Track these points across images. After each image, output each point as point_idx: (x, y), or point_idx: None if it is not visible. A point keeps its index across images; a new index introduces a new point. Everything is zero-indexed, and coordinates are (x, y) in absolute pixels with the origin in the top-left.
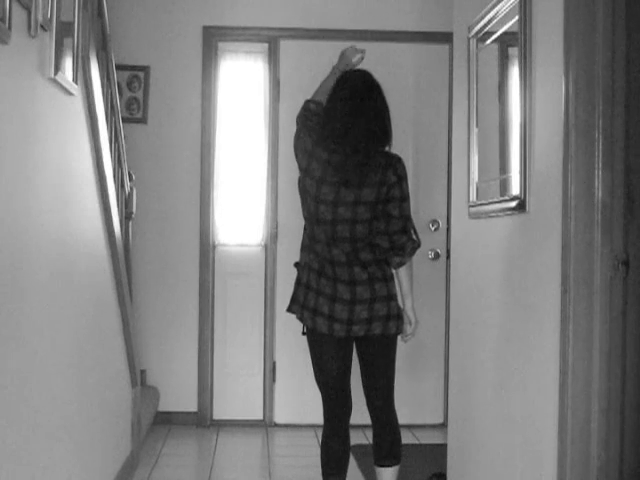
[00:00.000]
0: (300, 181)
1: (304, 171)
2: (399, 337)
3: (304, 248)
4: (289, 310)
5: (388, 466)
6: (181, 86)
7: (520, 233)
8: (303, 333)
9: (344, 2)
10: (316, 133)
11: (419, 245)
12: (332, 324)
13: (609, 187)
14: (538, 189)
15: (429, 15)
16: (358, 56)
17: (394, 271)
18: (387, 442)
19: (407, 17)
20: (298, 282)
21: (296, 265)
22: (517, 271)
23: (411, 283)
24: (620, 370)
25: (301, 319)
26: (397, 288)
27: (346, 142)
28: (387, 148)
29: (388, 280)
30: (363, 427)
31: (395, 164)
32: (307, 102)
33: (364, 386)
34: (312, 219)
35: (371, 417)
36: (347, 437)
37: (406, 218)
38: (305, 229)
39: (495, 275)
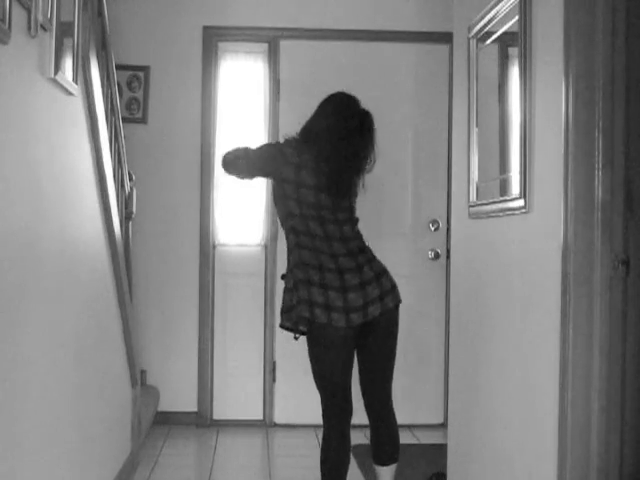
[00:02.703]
0: (279, 188)
1: (288, 181)
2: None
3: (293, 251)
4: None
5: (387, 464)
6: (181, 86)
7: (520, 233)
8: (295, 338)
9: (344, 2)
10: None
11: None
12: (349, 315)
13: (609, 187)
14: (538, 189)
15: (429, 15)
16: None
17: None
18: (386, 440)
19: (407, 17)
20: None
21: (285, 276)
22: (517, 271)
23: None
24: (620, 370)
25: (309, 318)
26: None
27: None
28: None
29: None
30: (363, 427)
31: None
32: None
33: (363, 382)
34: (304, 217)
35: (369, 414)
36: (348, 442)
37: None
38: (289, 235)
39: (495, 275)
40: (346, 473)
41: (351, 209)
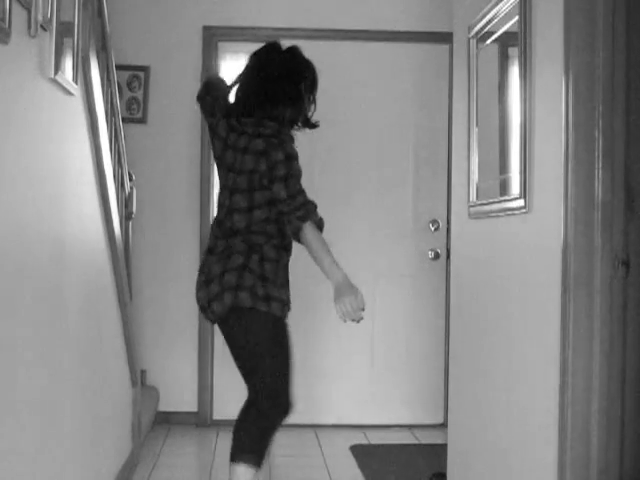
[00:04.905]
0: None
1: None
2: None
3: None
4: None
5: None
6: (181, 86)
7: (520, 233)
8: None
9: (344, 2)
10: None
11: (308, 213)
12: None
13: (609, 187)
14: (538, 189)
15: (429, 15)
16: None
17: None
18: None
19: (407, 17)
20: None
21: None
22: (517, 271)
23: (321, 248)
24: (620, 370)
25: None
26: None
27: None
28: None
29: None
30: (363, 427)
31: (285, 142)
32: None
33: None
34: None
35: None
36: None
37: (281, 201)
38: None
39: (495, 275)
40: None
41: (252, 193)
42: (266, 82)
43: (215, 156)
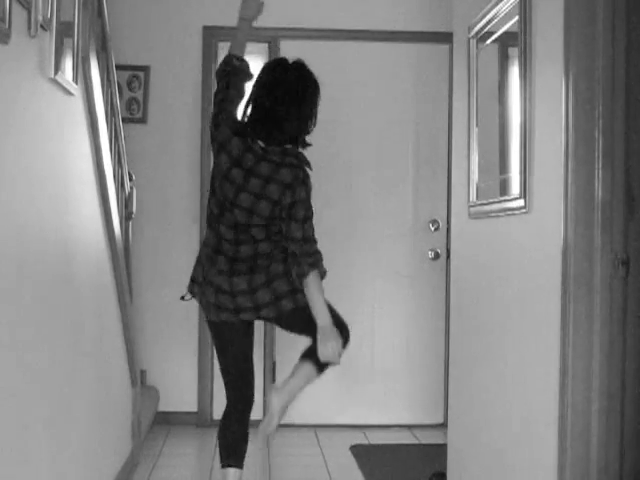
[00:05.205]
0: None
1: (221, 149)
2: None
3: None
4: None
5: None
6: (181, 86)
7: (520, 233)
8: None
9: (344, 2)
10: (232, 117)
11: (317, 262)
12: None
13: (609, 187)
14: (538, 189)
15: (429, 15)
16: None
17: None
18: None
19: (407, 17)
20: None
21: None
22: (517, 271)
23: (321, 302)
24: (620, 370)
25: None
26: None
27: (263, 130)
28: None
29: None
30: (363, 427)
31: (299, 184)
32: (229, 56)
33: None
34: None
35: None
36: (247, 425)
37: (293, 240)
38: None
39: (495, 275)
40: (243, 459)
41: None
42: (281, 105)
43: (219, 168)
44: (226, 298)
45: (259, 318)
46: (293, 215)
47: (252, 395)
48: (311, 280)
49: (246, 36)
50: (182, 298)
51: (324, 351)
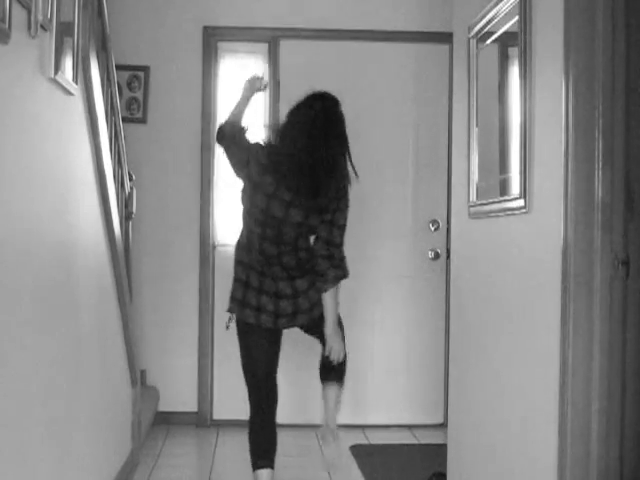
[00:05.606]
0: (245, 190)
1: (253, 184)
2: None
3: (241, 248)
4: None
5: (332, 381)
6: (181, 86)
7: (520, 233)
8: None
9: (344, 2)
10: (262, 154)
11: (345, 275)
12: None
13: (609, 187)
14: (538, 189)
15: (429, 15)
16: (262, 83)
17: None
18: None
19: (407, 17)
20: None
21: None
22: (517, 271)
23: (334, 308)
24: (620, 370)
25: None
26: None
27: (301, 168)
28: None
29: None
30: (363, 427)
31: (341, 198)
32: (224, 126)
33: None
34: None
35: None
36: (274, 425)
37: (334, 245)
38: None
39: (495, 275)
40: (274, 460)
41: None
42: (323, 144)
43: (264, 190)
44: (268, 300)
45: (292, 325)
46: (335, 221)
47: (275, 397)
48: (332, 291)
49: (246, 106)
50: (227, 327)
51: (334, 350)
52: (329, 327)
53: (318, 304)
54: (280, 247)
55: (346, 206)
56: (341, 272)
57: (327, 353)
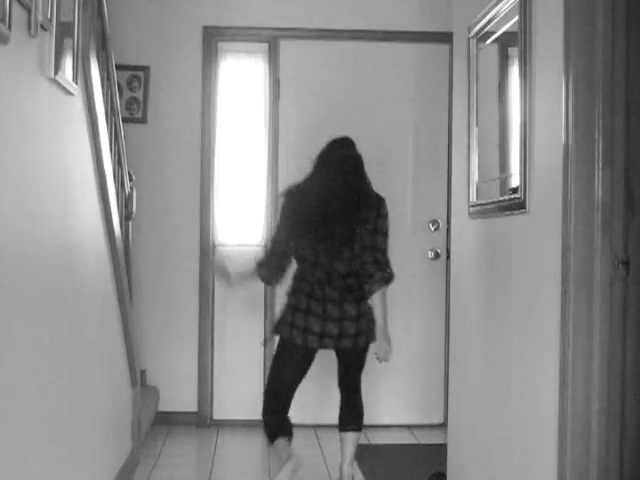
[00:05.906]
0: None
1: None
2: (375, 356)
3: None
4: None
5: (351, 430)
6: (181, 86)
7: (520, 233)
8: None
9: (344, 2)
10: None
11: (391, 277)
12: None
13: (609, 187)
14: (538, 189)
15: (429, 15)
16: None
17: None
18: (351, 410)
19: (407, 17)
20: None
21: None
22: (517, 271)
23: (383, 310)
24: (620, 370)
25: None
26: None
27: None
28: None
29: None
30: (363, 427)
31: (380, 206)
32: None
33: (339, 381)
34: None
35: (342, 395)
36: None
37: (379, 250)
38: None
39: (495, 275)
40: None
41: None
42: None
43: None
44: (315, 321)
45: (335, 347)
46: (379, 229)
47: (291, 400)
48: (380, 294)
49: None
50: (264, 345)
51: (383, 353)
52: (379, 328)
53: (364, 333)
54: (330, 275)
55: (386, 212)
56: (387, 274)
57: (376, 352)
